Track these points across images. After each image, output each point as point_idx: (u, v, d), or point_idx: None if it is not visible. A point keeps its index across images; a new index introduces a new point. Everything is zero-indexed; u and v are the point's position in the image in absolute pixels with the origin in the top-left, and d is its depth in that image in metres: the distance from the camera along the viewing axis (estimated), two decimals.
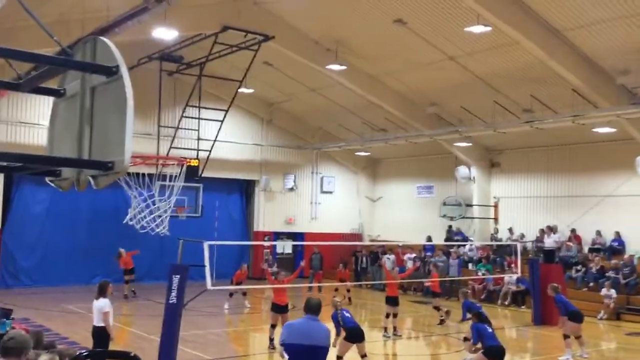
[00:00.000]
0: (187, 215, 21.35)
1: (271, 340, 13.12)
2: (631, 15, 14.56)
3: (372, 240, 28.46)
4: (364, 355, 10.96)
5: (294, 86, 24.35)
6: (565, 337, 12.86)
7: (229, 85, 23.16)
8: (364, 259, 26.62)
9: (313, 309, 6.45)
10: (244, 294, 19.63)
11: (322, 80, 22.60)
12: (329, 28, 19.21)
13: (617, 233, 20.58)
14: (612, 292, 18.38)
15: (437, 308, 17.31)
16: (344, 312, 11.19)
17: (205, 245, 11.51)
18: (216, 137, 22.96)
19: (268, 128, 27.74)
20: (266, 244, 26.28)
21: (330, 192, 29.38)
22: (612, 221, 20.72)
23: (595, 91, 17.41)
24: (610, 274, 19.30)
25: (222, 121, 22.69)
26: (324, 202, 29.06)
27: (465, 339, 12.09)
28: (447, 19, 16.84)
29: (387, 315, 15.21)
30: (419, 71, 20.40)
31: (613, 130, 19.03)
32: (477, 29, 15.60)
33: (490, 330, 10.04)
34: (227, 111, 22.68)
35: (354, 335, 10.92)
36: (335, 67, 19.78)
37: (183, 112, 22.20)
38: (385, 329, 15.12)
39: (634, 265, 19.33)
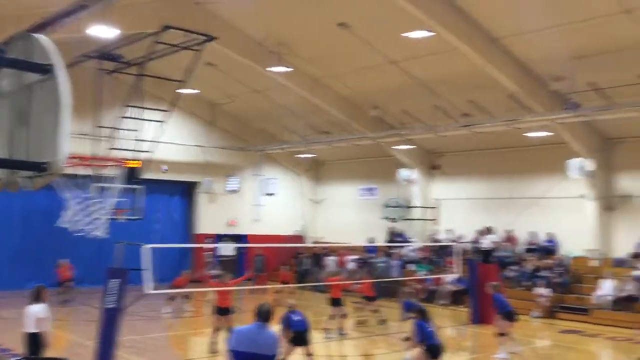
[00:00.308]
0: (127, 218, 20.89)
1: (213, 344, 12.98)
2: (565, 23, 15.14)
3: (314, 242, 28.56)
4: (309, 354, 11.02)
5: (237, 87, 24.20)
6: (500, 335, 13.24)
7: (171, 86, 22.78)
8: (307, 260, 26.67)
9: (263, 315, 6.29)
10: (186, 297, 19.35)
11: (266, 82, 22.54)
12: (273, 30, 19.19)
13: (550, 233, 21.35)
14: (546, 291, 19.04)
15: (374, 310, 17.22)
16: (293, 316, 11.18)
17: (145, 248, 11.30)
18: (157, 138, 22.53)
19: (211, 129, 27.45)
20: (208, 246, 25.99)
21: (273, 194, 29.30)
22: (546, 222, 21.47)
23: (530, 97, 18.01)
24: (544, 273, 19.98)
25: (163, 122, 22.29)
26: (267, 204, 28.95)
27: (407, 339, 12.27)
28: (390, 24, 17.08)
29: (333, 317, 15.30)
30: (362, 74, 20.62)
31: (547, 134, 19.72)
32: (419, 34, 15.91)
33: (430, 328, 10.14)
34: (168, 112, 22.30)
35: (300, 339, 10.97)
36: (279, 69, 19.77)
37: (122, 112, 21.69)
38: (327, 329, 15.19)
39: (566, 264, 20.09)
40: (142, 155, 22.15)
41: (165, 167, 20.04)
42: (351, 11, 16.98)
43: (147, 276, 11.37)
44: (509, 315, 13.41)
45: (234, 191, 28.14)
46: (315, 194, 30.53)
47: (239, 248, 27.19)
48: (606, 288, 18.23)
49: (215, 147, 27.49)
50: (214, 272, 19.12)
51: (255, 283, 22.73)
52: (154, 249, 11.44)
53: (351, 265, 23.92)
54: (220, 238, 27.34)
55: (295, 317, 11.16)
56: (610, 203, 20.16)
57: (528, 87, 17.88)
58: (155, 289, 12.48)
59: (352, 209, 28.59)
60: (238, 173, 28.43)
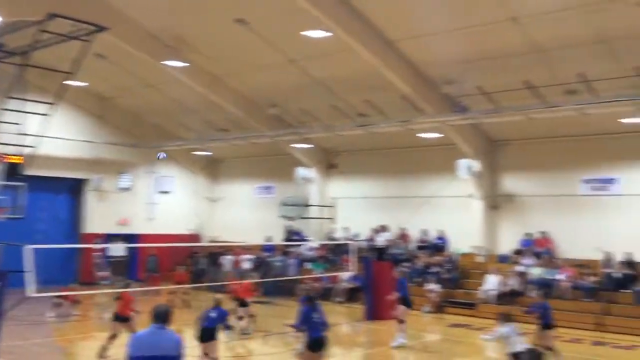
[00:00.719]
0: (8, 217, 19.57)
1: (104, 349, 12.35)
2: (456, 29, 15.79)
3: (210, 241, 28.10)
4: (206, 354, 10.88)
5: (130, 81, 23.32)
6: (400, 322, 13.88)
7: (58, 77, 21.56)
8: (203, 260, 26.19)
9: (161, 317, 6.00)
10: (76, 301, 18.29)
11: (161, 77, 21.87)
12: (170, 23, 18.64)
13: (440, 231, 22.23)
14: (436, 286, 19.79)
15: (251, 315, 16.07)
16: (210, 312, 11.22)
17: (27, 249, 10.63)
18: (42, 132, 21.28)
19: (101, 124, 26.30)
20: (97, 246, 24.85)
21: (168, 192, 28.56)
22: (436, 220, 22.34)
23: (423, 99, 18.64)
24: (434, 269, 20.76)
25: (48, 115, 21.08)
26: (162, 203, 28.18)
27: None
28: (289, 23, 17.08)
29: (240, 318, 15.37)
30: (260, 72, 20.50)
31: (438, 135, 20.50)
32: (317, 34, 16.02)
33: (317, 319, 9.78)
34: (54, 105, 21.12)
35: (205, 335, 10.99)
36: (175, 63, 19.25)
37: (3, 104, 20.30)
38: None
39: (454, 261, 20.98)
40: (25, 151, 20.85)
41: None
42: (250, 8, 16.79)
43: (30, 279, 10.71)
44: (407, 301, 14.32)
45: (126, 189, 27.14)
46: (212, 192, 30.05)
47: (131, 248, 26.25)
48: (491, 283, 19.21)
49: (106, 142, 26.37)
50: (102, 273, 18.25)
51: (148, 284, 21.99)
52: (37, 249, 10.78)
53: (247, 265, 23.74)
54: (110, 238, 26.27)
55: (211, 314, 11.17)
56: (495, 202, 21.29)
57: (421, 89, 18.50)
58: (39, 291, 11.76)
59: (249, 208, 28.41)
60: (131, 170, 27.46)
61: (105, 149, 26.43)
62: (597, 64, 15.40)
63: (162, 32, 19.12)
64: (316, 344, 9.69)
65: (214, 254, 25.88)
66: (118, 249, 26.12)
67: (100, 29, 17.96)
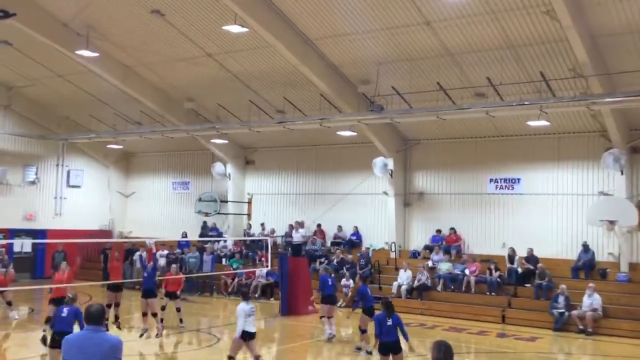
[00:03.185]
0: None
1: None
2: (373, 30, 16.12)
3: (123, 237, 27.32)
4: None
5: (38, 70, 22.28)
6: (328, 317, 14.35)
7: None
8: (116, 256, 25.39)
9: (93, 318, 5.43)
10: (9, 303, 16.68)
11: (72, 67, 21.04)
12: (81, 11, 17.96)
13: (356, 227, 22.63)
14: (350, 282, 20.12)
15: (178, 309, 15.91)
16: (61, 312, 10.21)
17: None
18: None
19: (6, 114, 25.01)
20: (0, 242, 23.60)
21: (78, 187, 27.52)
22: (352, 217, 22.73)
23: (340, 97, 18.91)
24: (349, 265, 21.08)
25: None
26: (71, 197, 27.12)
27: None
28: (207, 16, 16.88)
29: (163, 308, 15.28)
30: (177, 65, 20.13)
31: (354, 134, 20.85)
32: (235, 29, 15.90)
33: (390, 325, 10.01)
34: None
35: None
36: (86, 53, 18.55)
37: None
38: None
39: (369, 256, 21.42)
40: None
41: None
42: None
43: None
44: (332, 298, 14.71)
45: (32, 182, 25.93)
46: (125, 186, 29.20)
47: (37, 244, 25.13)
48: (403, 278, 19.76)
49: (11, 134, 25.09)
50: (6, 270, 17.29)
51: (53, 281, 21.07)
52: None
53: (162, 261, 23.24)
54: (15, 234, 25.02)
55: (63, 313, 9.93)
56: (408, 199, 21.90)
57: (338, 88, 18.76)
58: None
59: (164, 203, 27.84)
60: (38, 163, 26.25)
61: (10, 140, 25.15)
62: (504, 68, 16.16)
63: (72, 20, 18.40)
64: (387, 348, 9.79)
65: (127, 251, 25.14)
66: (24, 245, 24.96)
67: (7, 14, 17.09)
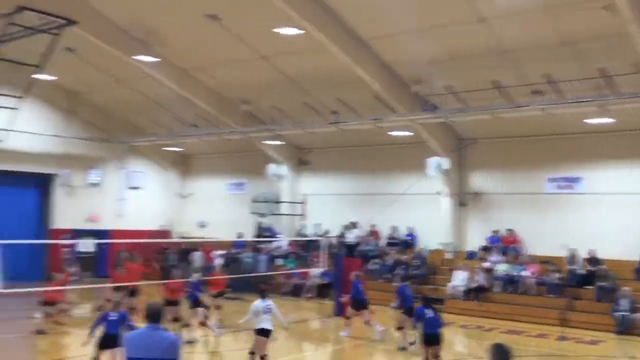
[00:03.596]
0: None
1: None
2: (426, 28, 15.97)
3: (181, 238, 27.97)
4: None
5: (100, 76, 23.05)
6: (347, 317, 15.01)
7: (26, 71, 21.27)
8: (173, 256, 26.06)
9: (154, 316, 5.60)
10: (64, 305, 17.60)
11: (132, 72, 21.69)
12: (140, 18, 18.49)
13: (410, 228, 22.48)
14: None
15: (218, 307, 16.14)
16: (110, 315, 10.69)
17: None
18: (9, 126, 21.02)
19: (70, 119, 25.96)
20: (65, 242, 24.57)
21: (139, 188, 28.31)
22: (406, 217, 22.60)
23: (394, 97, 18.83)
24: (403, 266, 20.97)
25: (16, 109, 20.81)
26: (132, 198, 27.93)
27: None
28: (261, 19, 17.08)
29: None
30: (232, 68, 20.47)
31: (408, 133, 20.72)
32: (289, 31, 16.06)
33: (430, 317, 10.62)
34: (22, 98, 20.83)
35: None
36: (145, 58, 19.09)
37: None
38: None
39: (423, 257, 21.25)
40: None
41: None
42: (221, 3, 16.77)
43: None
44: (357, 303, 14.99)
45: (95, 184, 26.85)
46: (182, 188, 29.88)
47: (100, 244, 26.01)
48: (459, 279, 19.51)
49: (75, 137, 26.05)
50: (71, 269, 17.98)
51: (116, 280, 21.76)
52: (4, 246, 10.65)
53: (218, 261, 23.71)
54: (79, 234, 25.98)
55: (111, 317, 10.50)
56: (463, 199, 21.61)
57: (391, 87, 18.67)
58: (6, 288, 11.63)
59: (220, 204, 28.34)
60: (100, 165, 27.16)
61: (74, 143, 26.10)
62: (562, 65, 15.75)
63: (132, 26, 18.95)
64: (431, 338, 10.32)
65: (184, 250, 25.77)
66: (87, 245, 25.88)
67: (70, 22, 17.77)
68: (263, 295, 11.03)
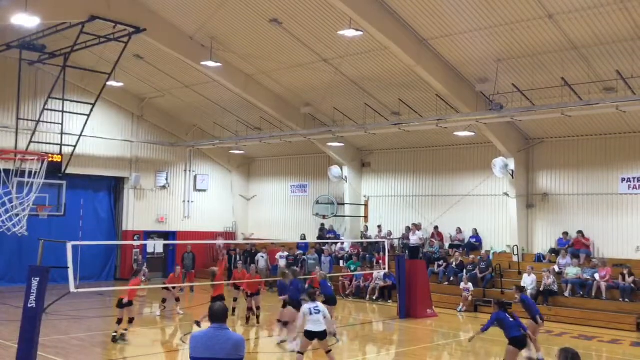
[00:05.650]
0: (49, 214, 20.17)
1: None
2: (490, 26, 15.65)
3: (245, 239, 28.42)
4: None
5: (167, 81, 23.75)
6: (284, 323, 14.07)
7: (97, 78, 22.20)
8: (238, 257, 26.49)
9: (218, 316, 5.61)
10: (177, 299, 18.00)
11: (197, 77, 22.24)
12: (204, 24, 18.94)
13: (475, 230, 22.05)
14: (470, 285, 19.66)
15: (257, 308, 16.38)
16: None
17: (69, 245, 10.96)
18: (82, 132, 21.92)
19: (139, 124, 26.84)
20: (135, 243, 25.40)
21: (204, 191, 28.98)
22: (471, 219, 22.18)
23: (457, 97, 18.52)
24: (469, 268, 20.62)
25: (88, 115, 21.70)
26: (197, 201, 28.62)
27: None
28: (321, 22, 17.20)
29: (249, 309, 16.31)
30: (293, 72, 20.66)
31: (472, 134, 20.35)
32: (350, 33, 16.06)
33: (511, 321, 10.54)
34: (94, 105, 21.70)
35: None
36: (210, 64, 19.52)
37: (45, 104, 20.94)
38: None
39: (489, 260, 20.81)
40: (66, 149, 21.46)
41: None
42: (282, 8, 16.97)
43: (71, 274, 11.04)
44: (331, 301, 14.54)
45: (163, 187, 27.64)
46: (246, 190, 30.36)
47: (168, 245, 26.74)
48: (527, 282, 18.98)
49: (144, 142, 26.92)
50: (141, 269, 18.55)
51: (184, 280, 22.33)
52: (77, 246, 11.11)
53: (282, 262, 23.95)
54: (148, 235, 26.80)
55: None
56: (531, 201, 21.03)
57: (454, 87, 18.38)
58: (80, 287, 12.11)
59: (283, 206, 28.62)
60: (168, 169, 27.94)
61: (143, 147, 26.97)
62: (635, 60, 15.11)
63: (196, 32, 19.44)
64: (518, 342, 10.39)
65: (249, 252, 26.15)
66: (156, 246, 26.68)
67: (138, 30, 18.43)
68: (312, 297, 11.10)
